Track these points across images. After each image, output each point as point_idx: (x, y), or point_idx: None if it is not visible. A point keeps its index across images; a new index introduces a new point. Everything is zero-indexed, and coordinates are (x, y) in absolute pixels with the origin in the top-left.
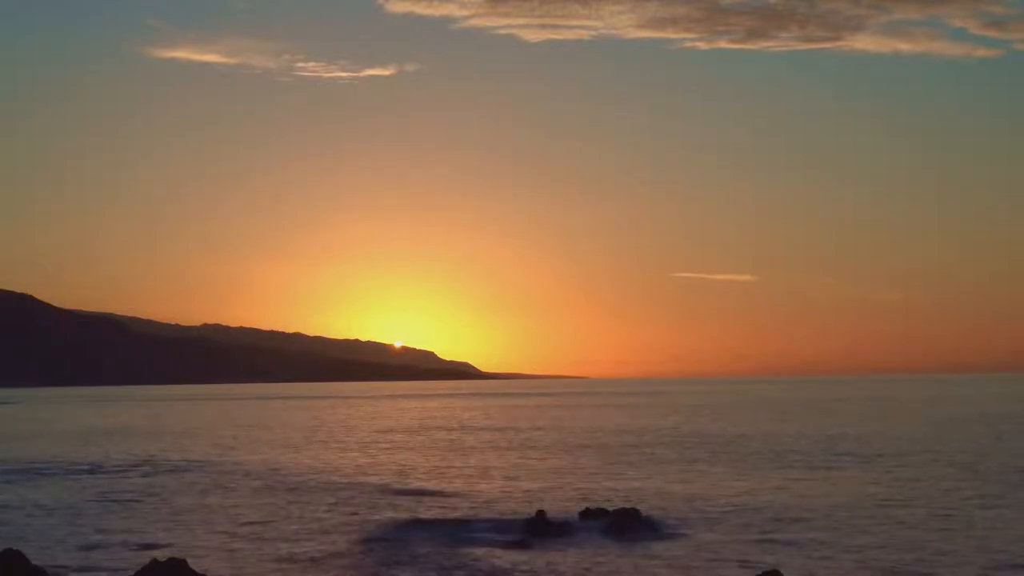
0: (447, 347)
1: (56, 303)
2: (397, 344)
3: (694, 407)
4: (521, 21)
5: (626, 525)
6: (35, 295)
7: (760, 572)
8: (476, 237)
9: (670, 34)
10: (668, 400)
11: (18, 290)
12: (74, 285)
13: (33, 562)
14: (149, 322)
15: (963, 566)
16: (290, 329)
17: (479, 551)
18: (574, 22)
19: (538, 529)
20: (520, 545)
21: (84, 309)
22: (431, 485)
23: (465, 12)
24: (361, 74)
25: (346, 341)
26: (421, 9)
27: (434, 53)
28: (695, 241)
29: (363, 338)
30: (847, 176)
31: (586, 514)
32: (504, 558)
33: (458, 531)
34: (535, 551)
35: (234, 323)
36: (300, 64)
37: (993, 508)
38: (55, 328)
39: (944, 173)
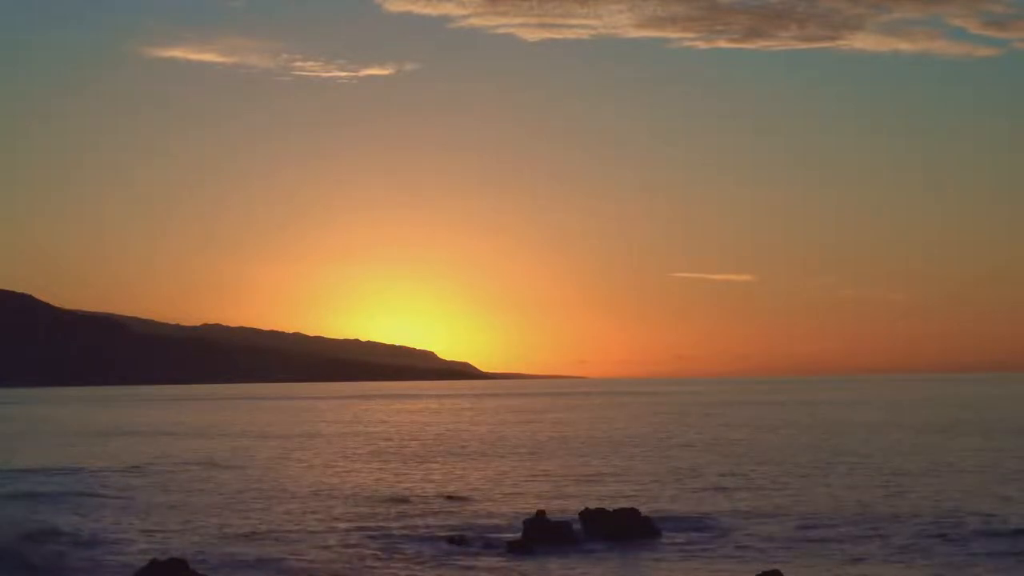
0: (447, 347)
1: (56, 303)
2: (397, 344)
3: (694, 408)
4: (519, 20)
5: (626, 525)
6: (35, 295)
7: (760, 572)
8: (476, 237)
9: (669, 33)
10: (668, 400)
11: (18, 290)
12: (74, 285)
13: (33, 562)
14: (149, 322)
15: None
16: (290, 329)
17: (479, 552)
18: (572, 21)
19: (538, 529)
20: (520, 545)
21: (84, 309)
22: (432, 487)
23: (463, 11)
24: (359, 73)
25: (346, 341)
26: (419, 8)
27: (432, 52)
28: (695, 241)
29: (363, 338)
30: (847, 176)
31: (586, 514)
32: (504, 558)
33: (458, 532)
34: (535, 551)
35: (234, 323)
36: (298, 64)
37: (1001, 513)
38: (55, 328)
39: (944, 173)
